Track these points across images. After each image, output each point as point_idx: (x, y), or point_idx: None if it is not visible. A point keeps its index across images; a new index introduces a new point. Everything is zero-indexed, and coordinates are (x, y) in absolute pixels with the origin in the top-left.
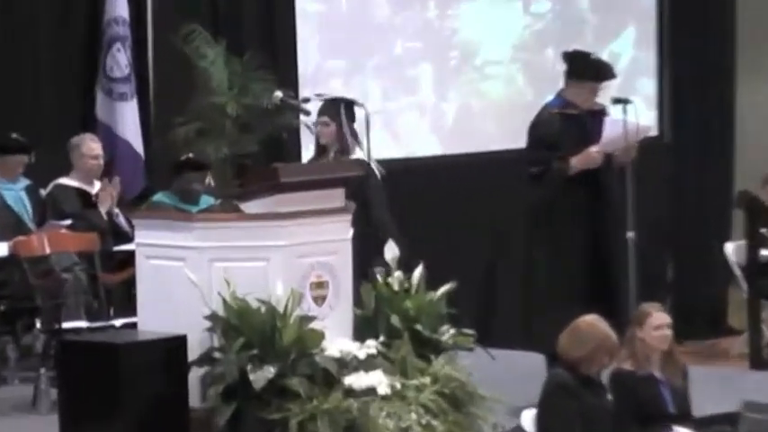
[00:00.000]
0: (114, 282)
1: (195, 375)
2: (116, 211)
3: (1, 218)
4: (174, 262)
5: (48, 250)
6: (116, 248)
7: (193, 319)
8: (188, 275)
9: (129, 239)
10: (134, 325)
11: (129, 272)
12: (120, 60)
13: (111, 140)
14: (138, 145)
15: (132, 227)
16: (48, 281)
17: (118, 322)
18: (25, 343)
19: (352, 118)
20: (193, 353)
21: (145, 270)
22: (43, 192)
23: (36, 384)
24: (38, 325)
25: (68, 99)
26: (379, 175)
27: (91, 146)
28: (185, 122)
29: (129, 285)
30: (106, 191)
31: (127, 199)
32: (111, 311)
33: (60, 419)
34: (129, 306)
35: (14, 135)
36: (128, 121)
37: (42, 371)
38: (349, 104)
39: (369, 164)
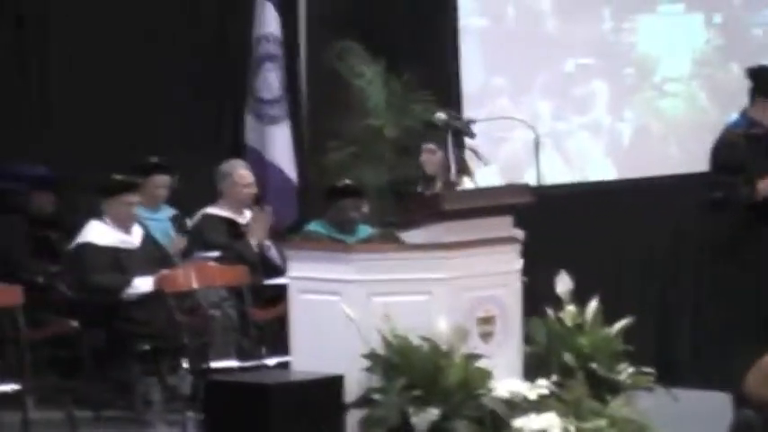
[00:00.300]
0: (265, 318)
1: (353, 418)
2: (267, 242)
3: (145, 251)
4: (329, 296)
5: (195, 285)
6: (267, 282)
7: (351, 358)
8: (345, 311)
9: (281, 273)
10: (287, 364)
11: (281, 307)
12: (270, 81)
13: (261, 166)
14: (291, 171)
15: (284, 259)
16: (195, 318)
17: (270, 361)
18: (171, 384)
19: (460, 145)
20: (351, 394)
21: (298, 305)
22: (189, 222)
23: (182, 428)
24: (184, 365)
25: (215, 123)
26: None
27: (242, 174)
28: (340, 146)
29: (282, 322)
30: (258, 221)
31: (278, 229)
32: (263, 350)
33: None
34: (281, 344)
35: (154, 159)
36: (279, 145)
37: (189, 414)
38: (457, 131)
39: None
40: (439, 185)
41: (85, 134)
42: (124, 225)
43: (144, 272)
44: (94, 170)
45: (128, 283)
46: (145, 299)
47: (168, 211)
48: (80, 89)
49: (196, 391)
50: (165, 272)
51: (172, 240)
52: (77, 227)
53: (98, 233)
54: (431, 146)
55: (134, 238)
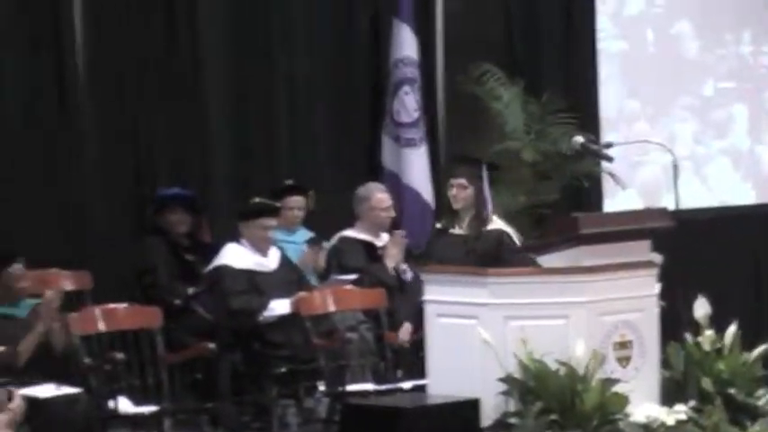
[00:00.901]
0: (401, 342)
1: None
2: (403, 266)
3: (282, 273)
4: (465, 320)
5: (331, 308)
6: None
7: (487, 382)
8: (481, 334)
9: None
10: (423, 387)
11: (417, 331)
12: (408, 104)
13: (398, 189)
14: (427, 194)
15: (421, 282)
16: (331, 340)
17: (406, 385)
18: (307, 406)
19: (491, 179)
20: (487, 418)
21: (434, 329)
22: (326, 244)
23: None
24: (321, 387)
25: (352, 146)
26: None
27: (380, 197)
28: None
29: (418, 345)
30: (394, 244)
31: (415, 252)
32: (399, 373)
33: None
34: (417, 367)
35: (289, 181)
36: (416, 168)
37: None
38: (492, 166)
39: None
40: (466, 221)
41: (222, 156)
42: (261, 248)
43: (281, 294)
44: (231, 192)
45: (265, 305)
46: (282, 321)
47: (305, 234)
48: (227, 112)
49: (332, 413)
50: (301, 294)
51: (301, 258)
52: (214, 249)
53: (235, 256)
54: (462, 180)
55: (271, 260)
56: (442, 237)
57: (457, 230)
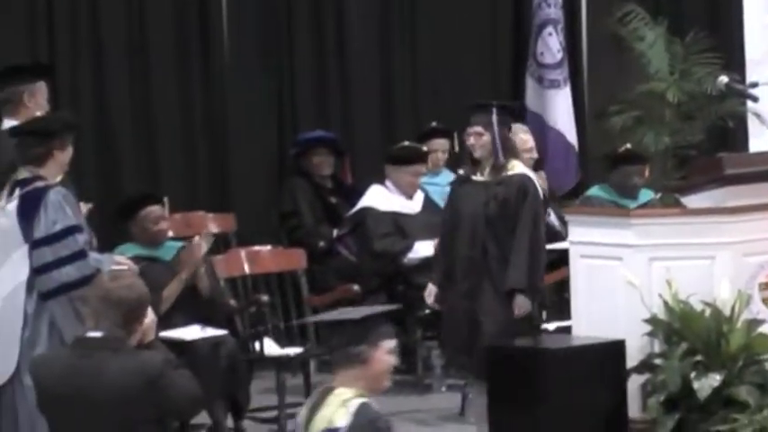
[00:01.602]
0: (546, 283)
1: (634, 384)
2: (547, 209)
3: (425, 215)
4: (610, 261)
5: None
6: (548, 247)
7: (632, 323)
8: (626, 276)
9: (562, 238)
10: (568, 329)
11: (562, 272)
12: (551, 45)
13: (542, 131)
14: (572, 136)
15: (565, 224)
16: None
17: (551, 326)
18: None
19: (506, 124)
20: (632, 359)
21: (579, 270)
22: None
23: (463, 393)
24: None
25: (495, 87)
26: (540, 194)
27: (523, 138)
28: (621, 111)
29: (563, 287)
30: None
31: (559, 194)
32: (544, 315)
33: (490, 429)
34: (562, 309)
35: (433, 123)
36: (560, 110)
37: (470, 378)
38: (503, 109)
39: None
40: (487, 170)
41: (365, 97)
42: (407, 191)
43: (424, 237)
44: (374, 133)
45: (409, 247)
46: (425, 263)
47: (448, 176)
48: (371, 55)
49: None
50: None
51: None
52: (357, 191)
53: (380, 198)
54: (478, 128)
55: (415, 203)
56: (464, 184)
57: (478, 177)
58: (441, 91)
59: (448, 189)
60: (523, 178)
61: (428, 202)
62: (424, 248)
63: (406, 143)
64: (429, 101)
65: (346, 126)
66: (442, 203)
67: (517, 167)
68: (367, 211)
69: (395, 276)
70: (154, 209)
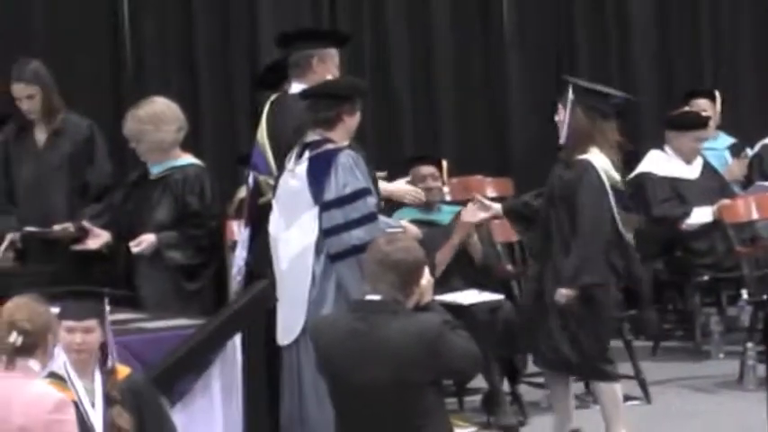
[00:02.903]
0: None
1: None
2: None
3: (704, 181)
4: None
5: (755, 215)
6: None
7: None
8: None
9: None
10: None
11: None
12: None
13: None
14: None
15: None
16: (755, 248)
17: None
18: (730, 315)
19: (586, 105)
20: None
21: None
22: (750, 151)
23: (742, 359)
24: (744, 296)
25: None
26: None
27: None
28: None
29: None
30: None
31: None
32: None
33: None
34: None
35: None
36: None
37: (749, 345)
38: (580, 89)
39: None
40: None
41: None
42: (687, 157)
43: (703, 202)
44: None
45: (687, 213)
46: (704, 229)
47: (726, 140)
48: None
49: (755, 321)
50: (724, 202)
51: (728, 168)
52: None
53: (659, 163)
54: (559, 104)
55: (694, 168)
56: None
57: None
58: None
59: (726, 154)
60: (584, 163)
61: (707, 167)
62: (702, 214)
63: (686, 108)
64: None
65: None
66: (720, 169)
67: (592, 154)
68: (646, 176)
69: (673, 241)
70: (424, 167)
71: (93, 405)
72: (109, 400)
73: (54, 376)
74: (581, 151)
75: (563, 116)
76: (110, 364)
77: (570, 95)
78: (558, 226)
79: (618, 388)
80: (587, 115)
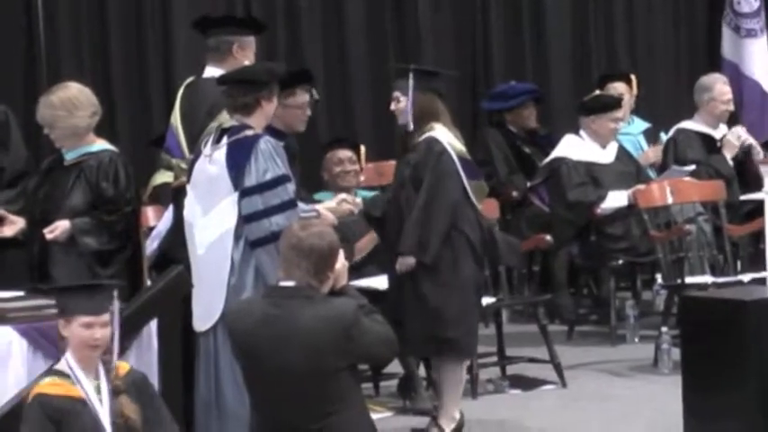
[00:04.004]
0: (741, 234)
1: None
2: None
3: (619, 165)
4: None
5: (670, 200)
6: (743, 198)
7: None
8: None
9: (760, 188)
10: (763, 281)
11: (757, 223)
12: None
13: (738, 80)
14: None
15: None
16: (669, 233)
17: (745, 277)
18: (645, 299)
19: (425, 88)
20: None
21: None
22: (663, 136)
23: (657, 343)
24: (659, 280)
25: (691, 36)
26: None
27: (723, 89)
28: None
29: (758, 238)
30: (733, 135)
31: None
32: (738, 266)
33: (683, 380)
34: (757, 260)
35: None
36: (756, 59)
37: (663, 329)
38: (420, 73)
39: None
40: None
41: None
42: (602, 141)
43: (618, 186)
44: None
45: (602, 197)
46: (619, 214)
47: (641, 125)
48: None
49: (670, 306)
50: (639, 187)
51: (643, 153)
52: (551, 141)
53: (573, 147)
54: (396, 93)
55: (609, 152)
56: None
57: None
58: (636, 39)
59: (641, 138)
60: (428, 140)
61: (622, 151)
62: (617, 198)
63: (597, 92)
64: (624, 47)
65: (540, 76)
66: (635, 153)
67: (436, 130)
68: (560, 160)
69: (588, 226)
70: (341, 151)
71: (101, 402)
72: (115, 393)
73: (58, 374)
74: (426, 130)
75: (404, 104)
76: (114, 358)
77: (411, 81)
78: (408, 206)
79: (463, 367)
80: (428, 96)
